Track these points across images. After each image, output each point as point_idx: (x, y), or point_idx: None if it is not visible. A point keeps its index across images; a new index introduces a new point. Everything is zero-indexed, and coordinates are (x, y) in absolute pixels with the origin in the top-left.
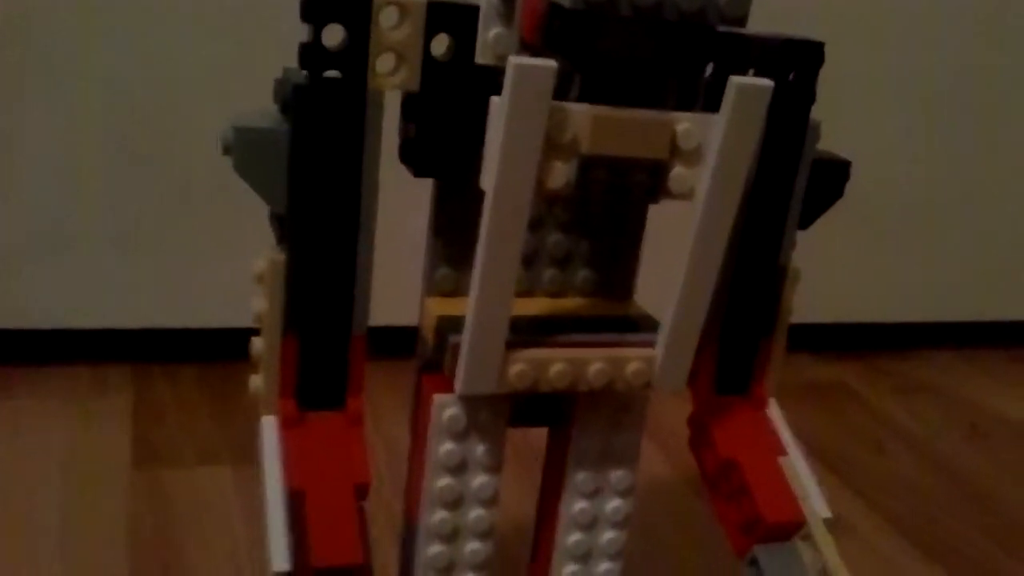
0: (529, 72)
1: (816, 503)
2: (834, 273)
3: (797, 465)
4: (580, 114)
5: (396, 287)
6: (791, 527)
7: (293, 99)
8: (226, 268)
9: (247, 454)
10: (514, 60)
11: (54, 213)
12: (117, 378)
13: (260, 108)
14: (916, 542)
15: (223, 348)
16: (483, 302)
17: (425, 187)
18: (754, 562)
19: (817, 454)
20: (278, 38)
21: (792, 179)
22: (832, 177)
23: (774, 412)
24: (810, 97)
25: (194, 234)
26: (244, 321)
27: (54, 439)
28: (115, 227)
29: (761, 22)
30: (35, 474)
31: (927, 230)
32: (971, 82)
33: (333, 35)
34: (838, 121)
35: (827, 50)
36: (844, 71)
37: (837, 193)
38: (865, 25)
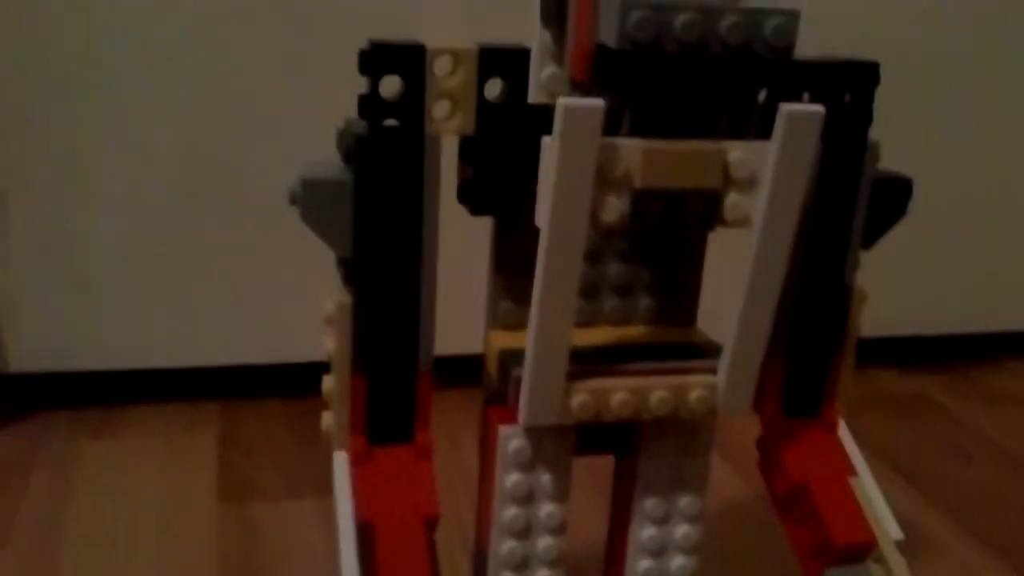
0: (577, 112)
1: (888, 525)
2: (915, 285)
3: (867, 486)
4: (631, 149)
5: (467, 315)
6: (863, 549)
7: (355, 149)
8: (309, 302)
9: (329, 487)
10: (563, 102)
11: (137, 252)
12: (205, 414)
13: (323, 159)
14: (1006, 556)
15: (308, 382)
16: (542, 335)
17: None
18: None
19: (903, 469)
20: (339, 82)
21: (853, 199)
22: (894, 195)
23: (844, 432)
24: (867, 117)
25: (276, 270)
26: (324, 355)
27: (146, 475)
28: (194, 265)
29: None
30: (128, 510)
31: (1006, 237)
32: None
33: (390, 85)
34: (909, 131)
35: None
36: (901, 80)
37: (900, 211)
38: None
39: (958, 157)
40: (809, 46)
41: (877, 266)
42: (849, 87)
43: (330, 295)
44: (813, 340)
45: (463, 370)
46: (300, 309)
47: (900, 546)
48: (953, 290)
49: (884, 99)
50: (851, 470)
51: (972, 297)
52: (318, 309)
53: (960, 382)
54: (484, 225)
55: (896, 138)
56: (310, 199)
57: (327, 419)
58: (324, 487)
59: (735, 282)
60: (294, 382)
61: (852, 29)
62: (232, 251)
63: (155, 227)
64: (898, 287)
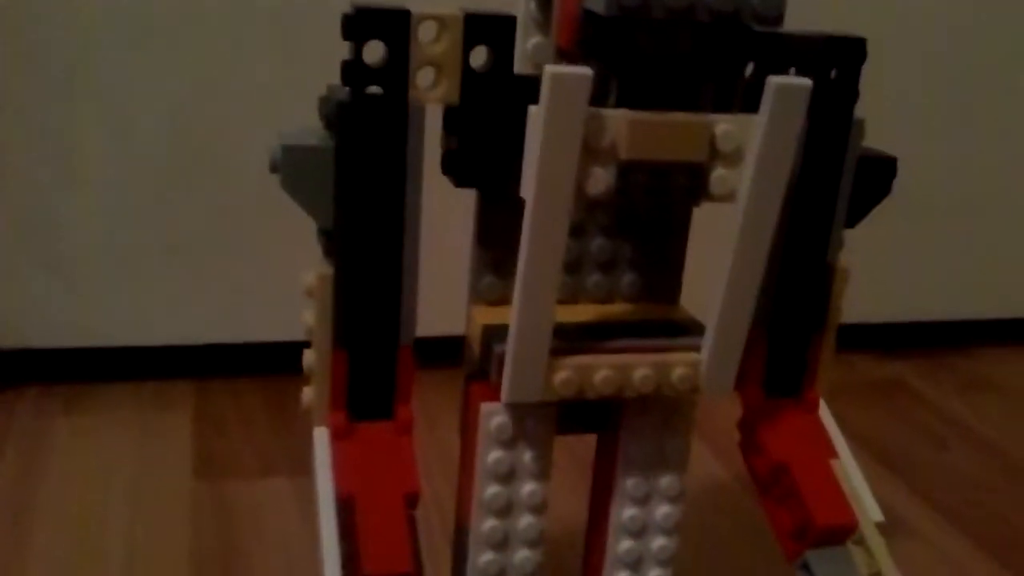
0: (564, 80)
1: (868, 507)
2: (893, 271)
3: (848, 468)
4: (618, 119)
5: (453, 296)
6: (843, 531)
7: (337, 116)
8: (284, 282)
9: (305, 465)
10: (549, 69)
11: (112, 232)
12: (179, 393)
13: (306, 126)
14: (978, 540)
15: (282, 362)
16: (526, 310)
17: (469, 197)
18: (805, 566)
19: (879, 454)
20: (324, 63)
21: (837, 177)
22: (879, 174)
23: (825, 414)
24: (853, 94)
25: (251, 249)
26: (302, 335)
27: (118, 453)
28: (172, 245)
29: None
30: (100, 487)
31: (984, 225)
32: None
33: (374, 52)
34: (886, 116)
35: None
36: (886, 67)
37: (884, 190)
38: (903, 17)
39: (939, 144)
40: (796, 23)
41: (854, 253)
42: (836, 63)
43: (310, 268)
44: (795, 320)
45: (442, 351)
46: (275, 288)
47: (880, 528)
48: (929, 277)
49: (868, 82)
50: (832, 451)
51: (948, 284)
52: (295, 286)
53: (935, 368)
54: (461, 203)
55: (877, 123)
56: (290, 166)
57: (307, 394)
58: (299, 466)
59: (718, 261)
60: (269, 361)
61: (841, 4)
62: (207, 230)
63: (131, 206)
64: (875, 274)
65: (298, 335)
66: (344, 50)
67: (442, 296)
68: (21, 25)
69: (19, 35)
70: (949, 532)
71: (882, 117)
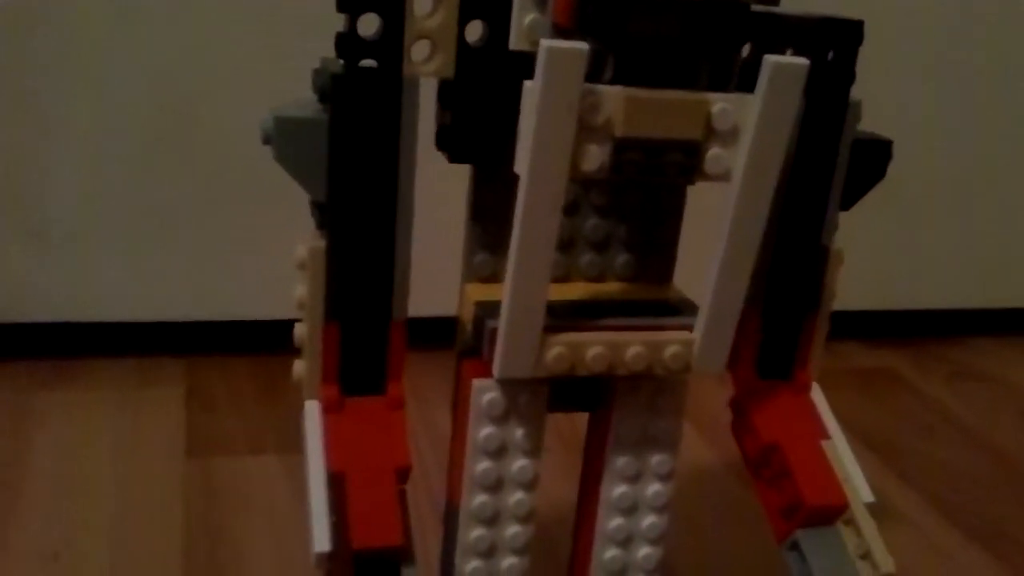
0: (561, 55)
1: (859, 487)
2: (883, 260)
3: (840, 449)
4: (613, 96)
5: (442, 277)
6: (834, 511)
7: (331, 88)
8: (275, 259)
9: (294, 442)
10: (546, 43)
11: (100, 206)
12: (170, 370)
13: (299, 98)
14: (964, 527)
15: (273, 339)
16: (519, 286)
17: (463, 175)
18: (795, 546)
19: (866, 441)
20: (313, 28)
21: (833, 159)
22: (874, 157)
23: (817, 396)
24: (849, 76)
25: (239, 224)
26: (293, 312)
27: (108, 429)
28: (158, 218)
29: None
30: (90, 462)
31: (975, 215)
32: (1014, 60)
33: (369, 24)
34: (883, 105)
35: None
36: (882, 50)
37: (879, 173)
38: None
39: (930, 132)
40: (793, 4)
41: (845, 241)
42: (833, 44)
43: (303, 240)
44: (788, 301)
45: (433, 332)
46: (266, 265)
47: (871, 509)
48: (919, 266)
49: (864, 66)
50: (823, 432)
51: (938, 273)
52: (287, 263)
53: (924, 357)
54: (453, 188)
55: (871, 109)
56: (284, 138)
57: (298, 367)
58: (288, 443)
59: (711, 241)
60: (260, 339)
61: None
62: (198, 205)
63: (120, 178)
64: (864, 262)
65: (289, 313)
66: (337, 22)
67: (434, 277)
68: None
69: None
70: (935, 519)
71: (874, 105)
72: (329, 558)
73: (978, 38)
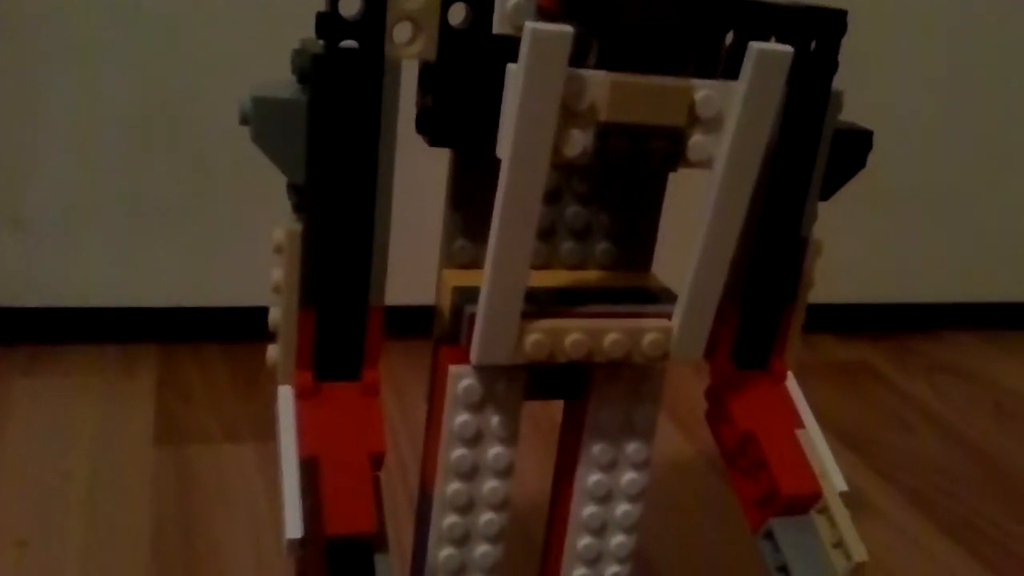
0: (545, 38)
1: (833, 477)
2: (859, 253)
3: (814, 439)
4: (597, 81)
5: (419, 266)
6: (808, 500)
7: (311, 69)
8: (251, 246)
9: (270, 431)
10: (530, 26)
11: (77, 191)
12: (143, 357)
13: (278, 79)
14: (937, 520)
15: (248, 327)
16: (499, 272)
17: (443, 159)
18: (769, 535)
19: (841, 433)
20: (304, 21)
21: (814, 149)
22: (854, 147)
23: (792, 385)
24: (832, 66)
25: (218, 213)
26: (268, 300)
27: (80, 417)
28: (137, 206)
29: None
30: (61, 450)
31: (953, 210)
32: (998, 54)
33: (350, 4)
34: (861, 96)
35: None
36: (866, 44)
37: (859, 163)
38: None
39: (909, 126)
40: None
41: (823, 233)
42: (816, 33)
43: (280, 224)
44: (766, 291)
45: (410, 321)
46: (242, 252)
47: (845, 498)
48: (896, 260)
49: (848, 60)
50: (798, 422)
51: (915, 268)
52: (264, 250)
53: (900, 351)
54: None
55: (855, 103)
56: (261, 119)
57: (272, 352)
58: (263, 431)
59: (691, 229)
60: (235, 327)
61: None
62: (174, 191)
63: (98, 165)
64: (842, 255)
65: (265, 301)
66: (319, 3)
67: (413, 265)
68: None
69: None
70: (909, 512)
71: (856, 99)
72: (301, 544)
73: (966, 37)
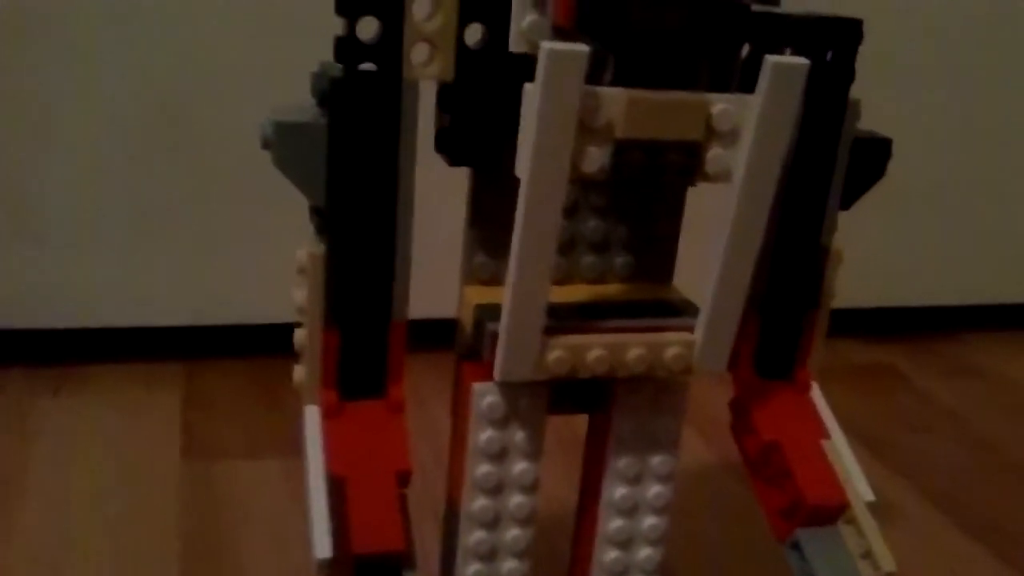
0: (561, 57)
1: (860, 486)
2: (879, 257)
3: (840, 448)
4: (614, 98)
5: (441, 279)
6: (834, 510)
7: (330, 93)
8: (275, 263)
9: (294, 447)
10: (546, 46)
11: (100, 212)
12: (169, 374)
13: (298, 102)
14: (960, 522)
15: (273, 343)
16: (520, 289)
17: (463, 177)
18: (796, 546)
19: (863, 436)
20: (308, 28)
21: (832, 158)
22: (873, 156)
23: (816, 395)
24: (849, 75)
25: (242, 230)
26: (292, 316)
27: (107, 435)
28: (159, 224)
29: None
30: (89, 469)
31: (971, 212)
32: (1012, 53)
33: (367, 28)
34: (881, 102)
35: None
36: (881, 49)
37: (879, 172)
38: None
39: (928, 129)
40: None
41: (844, 238)
42: (832, 44)
43: (303, 245)
44: (788, 301)
45: (432, 334)
46: (266, 269)
47: (872, 508)
48: (917, 263)
49: (863, 66)
50: (824, 432)
51: (935, 270)
52: (286, 267)
53: (922, 353)
54: (450, 188)
55: (869, 108)
56: (283, 143)
57: (298, 373)
58: (287, 448)
59: (712, 241)
60: (259, 343)
61: None
62: (197, 209)
63: (118, 181)
64: (862, 259)
65: (288, 317)
66: (319, 7)
67: (433, 278)
68: None
69: None
70: (934, 515)
71: (871, 104)
72: (330, 564)
73: (976, 40)
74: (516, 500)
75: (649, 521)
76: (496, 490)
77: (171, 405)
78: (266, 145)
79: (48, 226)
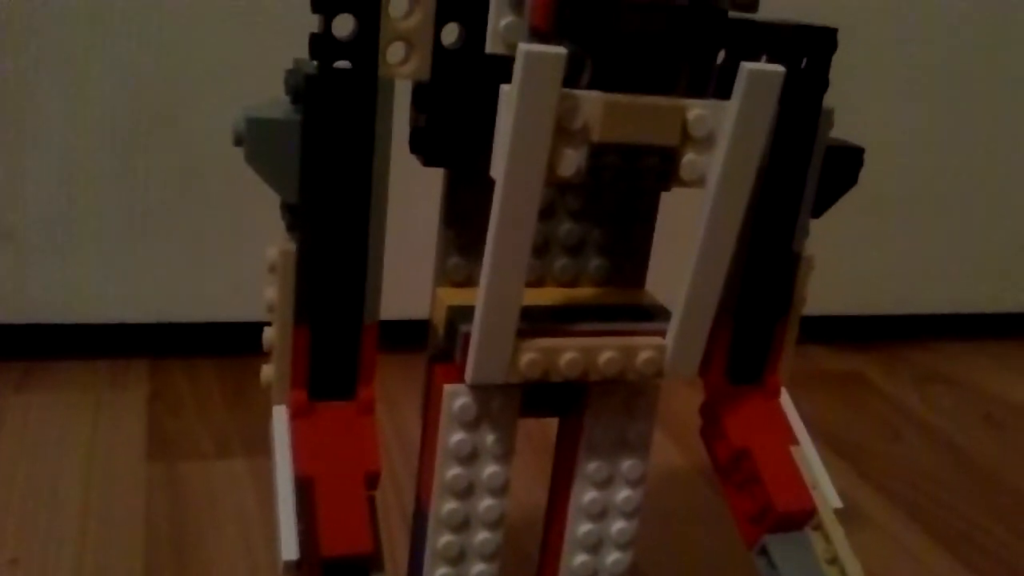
0: (539, 59)
1: (827, 493)
2: (851, 265)
3: (808, 455)
4: (591, 101)
5: (413, 280)
6: (803, 516)
7: (305, 90)
8: (244, 261)
9: (262, 447)
10: (524, 47)
11: (67, 205)
12: (135, 372)
13: (272, 99)
14: (929, 530)
15: (240, 341)
16: (493, 291)
17: (436, 178)
18: (764, 551)
19: (833, 443)
20: (287, 29)
21: (805, 166)
22: (846, 164)
23: (786, 401)
24: (823, 83)
25: (211, 228)
26: (261, 314)
27: (72, 431)
28: (129, 221)
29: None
30: (53, 466)
31: (943, 221)
32: (987, 66)
33: (344, 25)
34: (852, 109)
35: (840, 37)
36: (856, 58)
37: (851, 180)
38: (876, 11)
39: (897, 136)
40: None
41: (814, 245)
42: (807, 52)
43: (273, 243)
44: (759, 307)
45: (404, 334)
46: (234, 266)
47: (839, 514)
48: (887, 271)
49: (842, 72)
50: (792, 438)
51: (905, 278)
52: (256, 264)
53: (891, 361)
54: (424, 188)
55: (847, 114)
56: (255, 139)
57: (267, 372)
58: (255, 447)
59: (685, 246)
60: (226, 341)
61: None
62: (166, 204)
63: (88, 178)
64: (833, 267)
65: (257, 315)
66: (307, 11)
67: (406, 279)
68: None
69: None
70: (902, 522)
71: (848, 111)
72: (297, 566)
73: (960, 46)
74: (486, 503)
75: (618, 525)
76: (466, 493)
77: (137, 402)
78: (239, 141)
79: (19, 223)
